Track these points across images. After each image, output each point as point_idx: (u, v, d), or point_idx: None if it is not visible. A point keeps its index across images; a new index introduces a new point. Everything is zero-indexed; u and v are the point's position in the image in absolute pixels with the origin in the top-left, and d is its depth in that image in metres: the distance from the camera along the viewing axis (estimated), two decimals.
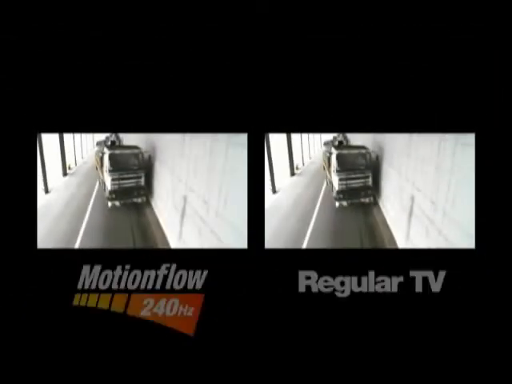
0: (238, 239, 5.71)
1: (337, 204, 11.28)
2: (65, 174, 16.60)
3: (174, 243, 8.94)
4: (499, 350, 5.50)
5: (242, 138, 5.70)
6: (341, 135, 13.32)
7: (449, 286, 5.49)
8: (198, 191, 7.87)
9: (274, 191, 13.36)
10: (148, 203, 11.81)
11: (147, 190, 11.98)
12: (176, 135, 9.11)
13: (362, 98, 5.65)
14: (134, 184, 11.82)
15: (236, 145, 6.01)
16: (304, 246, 8.87)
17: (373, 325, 5.51)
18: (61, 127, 5.71)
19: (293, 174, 15.43)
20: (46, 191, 14.25)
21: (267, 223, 5.75)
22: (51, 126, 5.67)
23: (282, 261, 5.56)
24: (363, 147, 11.63)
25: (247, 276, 5.54)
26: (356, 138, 13.05)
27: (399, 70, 5.64)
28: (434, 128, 5.65)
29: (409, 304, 5.51)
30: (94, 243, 9.60)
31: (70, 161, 17.35)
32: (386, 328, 5.51)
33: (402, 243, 8.54)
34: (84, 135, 19.71)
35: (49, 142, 14.88)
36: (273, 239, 6.04)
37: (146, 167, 11.98)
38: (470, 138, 5.63)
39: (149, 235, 9.98)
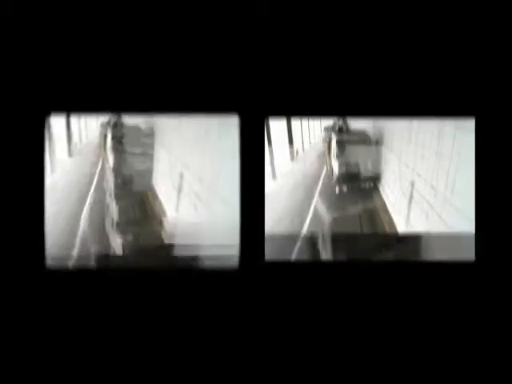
0: (230, 213, 5.66)
1: (337, 189, 11.27)
2: (70, 155, 16.61)
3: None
4: (499, 347, 5.47)
5: (236, 121, 5.64)
6: (341, 120, 13.28)
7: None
8: (193, 169, 7.82)
9: (274, 177, 13.34)
10: None
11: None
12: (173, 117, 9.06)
13: (361, 83, 5.63)
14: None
15: (232, 127, 5.96)
16: (304, 232, 8.86)
17: (373, 325, 5.49)
18: (70, 108, 5.65)
19: (292, 159, 15.41)
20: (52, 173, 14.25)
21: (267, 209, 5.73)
22: (61, 107, 5.61)
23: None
24: (364, 132, 11.58)
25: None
26: (356, 124, 13.00)
27: (399, 54, 5.60)
28: (433, 112, 5.62)
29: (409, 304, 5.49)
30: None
31: (76, 141, 17.34)
32: (386, 328, 5.49)
33: (401, 228, 8.53)
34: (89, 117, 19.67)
35: (55, 124, 14.86)
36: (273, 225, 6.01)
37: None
38: (469, 123, 5.59)
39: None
